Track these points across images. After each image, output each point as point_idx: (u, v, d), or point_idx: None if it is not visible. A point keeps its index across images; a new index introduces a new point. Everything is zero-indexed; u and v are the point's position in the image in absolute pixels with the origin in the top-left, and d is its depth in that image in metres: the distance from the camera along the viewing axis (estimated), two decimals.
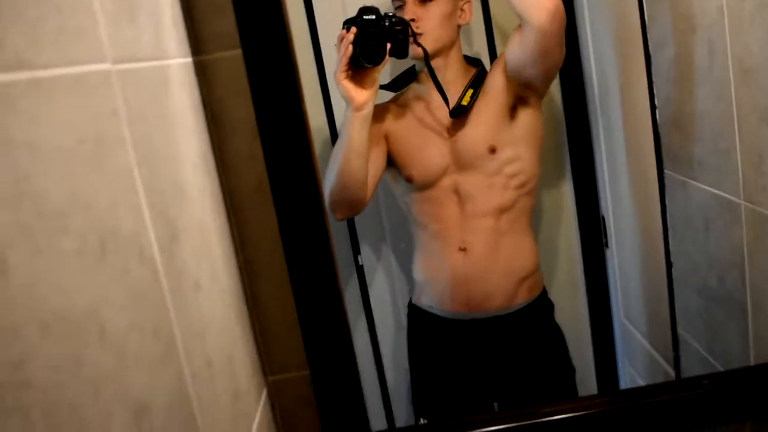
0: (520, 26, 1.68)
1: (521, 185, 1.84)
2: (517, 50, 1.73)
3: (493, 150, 1.79)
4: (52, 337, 0.41)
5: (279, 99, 0.83)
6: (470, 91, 1.80)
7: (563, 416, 0.95)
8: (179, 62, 0.75)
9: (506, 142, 1.80)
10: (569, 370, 1.98)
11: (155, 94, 0.66)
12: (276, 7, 0.82)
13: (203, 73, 0.82)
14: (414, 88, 1.91)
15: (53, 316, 0.42)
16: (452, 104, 1.77)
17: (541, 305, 1.95)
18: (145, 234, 0.57)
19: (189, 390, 0.62)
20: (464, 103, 1.78)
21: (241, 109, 0.83)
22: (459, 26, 1.83)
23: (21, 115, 0.43)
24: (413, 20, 1.72)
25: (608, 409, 0.98)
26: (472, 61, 1.89)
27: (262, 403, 0.88)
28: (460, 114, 1.79)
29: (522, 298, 1.89)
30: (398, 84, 1.94)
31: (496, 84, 1.81)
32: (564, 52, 1.70)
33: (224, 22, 0.81)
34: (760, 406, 1.00)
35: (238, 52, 0.81)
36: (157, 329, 0.57)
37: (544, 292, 1.96)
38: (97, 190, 0.50)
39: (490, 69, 1.86)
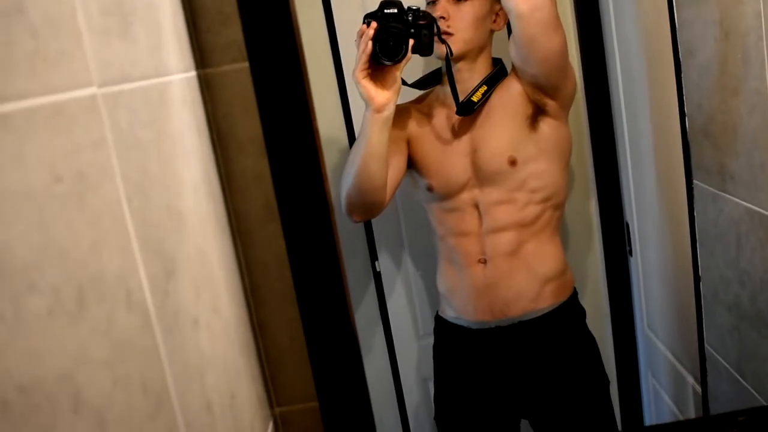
0: None
1: (545, 200, 1.76)
2: (512, 46, 1.66)
3: (513, 162, 1.71)
4: (12, 418, 0.36)
5: (288, 114, 0.77)
6: (483, 88, 1.72)
7: None
8: (181, 77, 0.70)
9: (528, 155, 1.72)
10: (603, 381, 1.85)
11: (151, 116, 0.60)
12: (285, 15, 0.76)
13: (208, 87, 0.76)
14: (437, 91, 1.82)
15: (17, 391, 0.36)
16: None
17: (571, 310, 1.84)
18: (135, 275, 0.51)
19: None
20: (474, 98, 1.70)
21: (249, 126, 0.77)
22: (492, 31, 1.75)
23: None
24: (444, 18, 1.64)
25: None
26: (493, 61, 1.80)
27: None
28: (466, 111, 1.70)
29: (548, 302, 1.79)
30: (423, 84, 1.85)
31: (512, 90, 1.74)
32: (557, 39, 1.61)
33: (231, 32, 0.76)
34: None
35: (245, 65, 0.75)
36: (146, 382, 0.51)
37: (574, 297, 1.85)
38: (76, 233, 0.44)
39: (509, 74, 1.79)
